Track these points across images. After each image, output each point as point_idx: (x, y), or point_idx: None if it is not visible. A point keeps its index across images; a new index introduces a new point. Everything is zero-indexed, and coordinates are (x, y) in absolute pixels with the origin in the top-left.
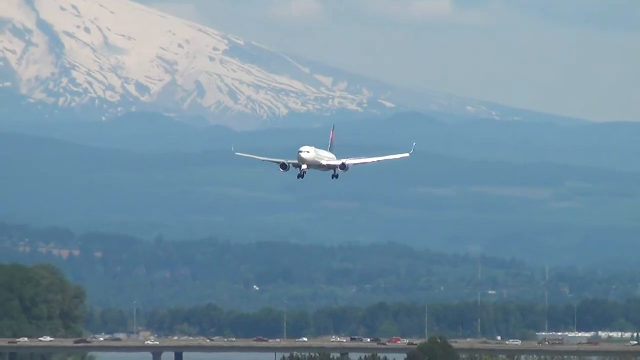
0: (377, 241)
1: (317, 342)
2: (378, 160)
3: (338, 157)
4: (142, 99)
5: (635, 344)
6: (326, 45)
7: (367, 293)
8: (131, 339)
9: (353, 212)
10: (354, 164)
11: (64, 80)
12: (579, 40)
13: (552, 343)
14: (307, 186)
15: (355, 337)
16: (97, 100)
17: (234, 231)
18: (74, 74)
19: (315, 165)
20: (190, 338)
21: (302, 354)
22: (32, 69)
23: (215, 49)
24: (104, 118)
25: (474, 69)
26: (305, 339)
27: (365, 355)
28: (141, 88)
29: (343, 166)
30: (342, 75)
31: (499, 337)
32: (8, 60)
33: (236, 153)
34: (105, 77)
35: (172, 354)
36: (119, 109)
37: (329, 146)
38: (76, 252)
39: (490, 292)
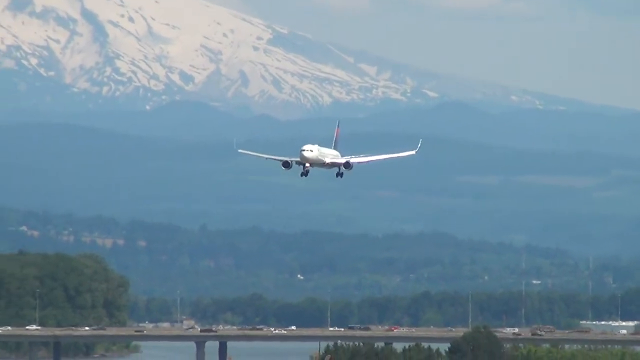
0: (422, 230)
1: (356, 332)
2: (384, 159)
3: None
4: (186, 88)
5: None
6: (370, 34)
7: (411, 282)
8: (175, 328)
9: (398, 201)
10: (359, 162)
11: (108, 69)
12: (624, 30)
13: (546, 331)
14: (353, 175)
15: (352, 325)
16: (141, 90)
17: (279, 220)
18: (118, 63)
19: (318, 164)
20: (234, 327)
21: (347, 343)
22: (76, 58)
23: (259, 38)
24: (148, 107)
25: (518, 58)
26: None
27: (409, 345)
28: (185, 77)
29: (347, 164)
30: (387, 64)
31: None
32: (52, 50)
33: (239, 150)
34: (150, 67)
35: (216, 344)
36: (163, 97)
37: (333, 144)
38: (120, 242)
39: (534, 281)
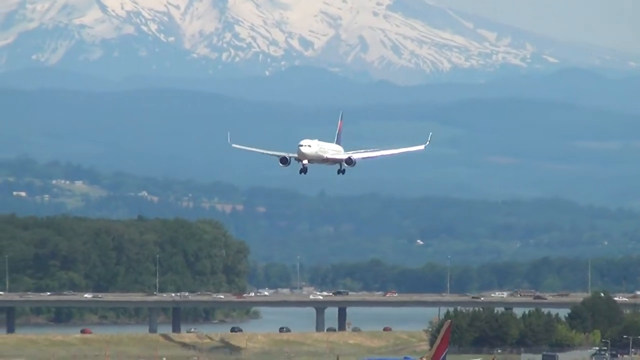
0: (541, 196)
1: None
2: (390, 154)
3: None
4: (305, 53)
5: None
6: (489, 0)
7: (531, 248)
8: (295, 294)
9: (517, 167)
10: (362, 158)
11: (228, 35)
12: None
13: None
14: (472, 142)
15: (340, 290)
16: (260, 55)
17: (398, 186)
18: (238, 29)
19: (318, 160)
20: (354, 293)
21: (466, 308)
22: (195, 24)
23: (378, 3)
24: (267, 73)
25: (637, 23)
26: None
27: (529, 310)
28: (305, 43)
29: (349, 161)
30: (506, 30)
31: None
32: (172, 16)
33: (233, 145)
34: (269, 32)
35: (335, 309)
36: (283, 63)
37: (336, 138)
38: (240, 207)
39: None
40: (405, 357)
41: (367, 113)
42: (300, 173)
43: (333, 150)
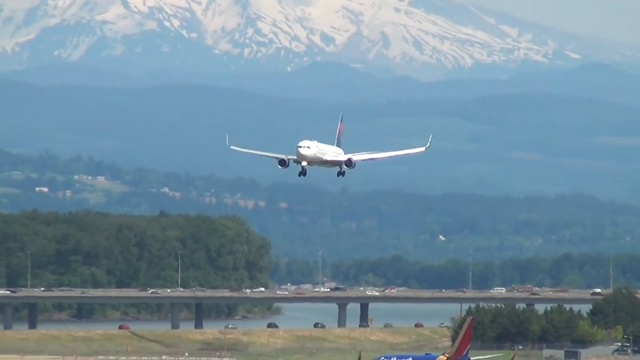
0: (563, 192)
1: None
2: (390, 156)
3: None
4: (327, 49)
5: None
6: None
7: (553, 244)
8: (316, 290)
9: (539, 163)
10: (362, 160)
11: (250, 31)
12: None
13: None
14: (494, 138)
15: (340, 287)
16: (282, 51)
17: (420, 182)
18: (260, 24)
19: (317, 162)
20: (376, 289)
21: (488, 305)
22: (217, 20)
23: None
24: (289, 68)
25: None
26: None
27: (551, 306)
28: (326, 39)
29: (349, 162)
30: (528, 26)
31: None
32: (194, 12)
33: (231, 147)
34: (291, 28)
35: (357, 305)
36: (305, 59)
37: (335, 140)
38: (262, 203)
39: None
40: (427, 354)
41: (389, 109)
42: (299, 175)
43: (333, 152)
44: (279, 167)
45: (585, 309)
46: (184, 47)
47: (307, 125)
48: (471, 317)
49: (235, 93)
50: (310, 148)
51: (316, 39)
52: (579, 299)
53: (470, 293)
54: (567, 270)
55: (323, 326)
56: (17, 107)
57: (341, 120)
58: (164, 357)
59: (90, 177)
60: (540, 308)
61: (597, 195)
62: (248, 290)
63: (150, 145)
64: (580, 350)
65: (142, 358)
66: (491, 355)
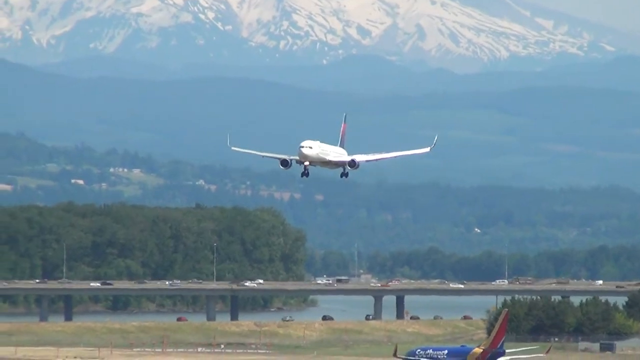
0: (599, 184)
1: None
2: (395, 156)
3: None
4: (363, 42)
5: None
6: None
7: (588, 236)
8: (352, 282)
9: (574, 155)
10: (366, 161)
11: (285, 23)
12: None
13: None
14: (530, 129)
15: (341, 278)
16: (318, 44)
17: (455, 174)
18: (295, 17)
19: (320, 163)
20: (412, 281)
21: (524, 297)
22: (253, 12)
23: None
24: (324, 61)
25: None
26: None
27: (586, 299)
28: (362, 31)
29: (353, 163)
30: (563, 18)
31: None
32: (229, 4)
33: (232, 148)
34: (327, 21)
35: (393, 298)
36: (340, 52)
37: (339, 140)
38: (297, 195)
39: None
40: (462, 346)
41: (424, 101)
42: (302, 176)
43: (335, 153)
44: (281, 167)
45: (621, 301)
46: (219, 39)
47: (341, 118)
48: (506, 309)
49: (270, 86)
50: (313, 148)
51: (352, 31)
52: (614, 292)
53: (506, 285)
54: (603, 262)
55: (374, 318)
56: (52, 99)
57: (344, 121)
58: (199, 349)
59: (125, 170)
60: (575, 300)
61: (633, 187)
62: (248, 282)
63: (185, 137)
64: (615, 342)
65: (178, 350)
66: (526, 348)
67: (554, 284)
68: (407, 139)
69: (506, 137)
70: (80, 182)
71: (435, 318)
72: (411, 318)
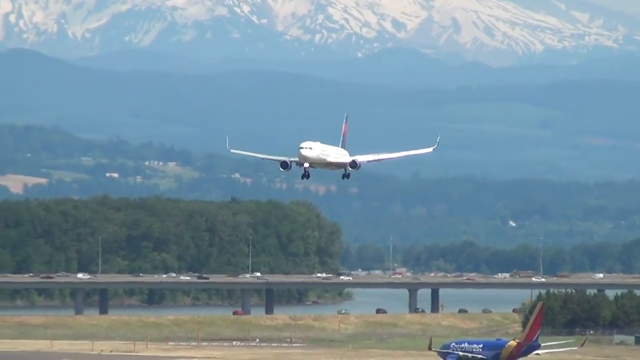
0: (634, 178)
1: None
2: (397, 157)
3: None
4: (398, 35)
5: None
6: None
7: (623, 230)
8: (387, 275)
9: (610, 149)
10: (368, 161)
11: (320, 17)
12: None
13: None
14: (564, 124)
15: (343, 272)
16: (353, 37)
17: (490, 168)
18: (330, 10)
19: (321, 164)
20: (447, 274)
21: (559, 290)
22: (288, 6)
23: None
24: (360, 54)
25: None
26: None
27: (621, 292)
28: (397, 24)
29: (354, 164)
30: (599, 11)
31: None
32: None
33: (231, 150)
34: (362, 14)
35: (428, 291)
36: (375, 45)
37: (341, 141)
38: (333, 188)
39: None
40: (497, 339)
41: (460, 95)
42: (302, 178)
43: (336, 154)
44: (281, 169)
45: None
46: (255, 33)
47: (377, 112)
48: (541, 302)
49: (305, 79)
50: (313, 149)
51: (387, 24)
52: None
53: (541, 278)
54: (638, 255)
55: (423, 311)
56: (87, 93)
57: (346, 121)
58: (234, 342)
59: (160, 163)
60: (610, 294)
61: None
62: (247, 275)
63: (220, 131)
64: None
65: (213, 343)
66: (562, 341)
67: (555, 278)
68: (443, 132)
69: (541, 131)
70: (115, 175)
71: (484, 311)
72: (459, 312)
